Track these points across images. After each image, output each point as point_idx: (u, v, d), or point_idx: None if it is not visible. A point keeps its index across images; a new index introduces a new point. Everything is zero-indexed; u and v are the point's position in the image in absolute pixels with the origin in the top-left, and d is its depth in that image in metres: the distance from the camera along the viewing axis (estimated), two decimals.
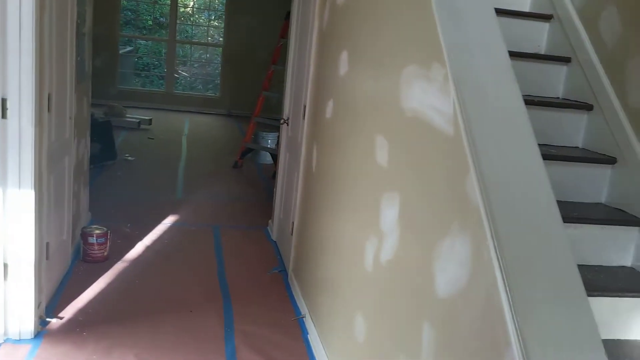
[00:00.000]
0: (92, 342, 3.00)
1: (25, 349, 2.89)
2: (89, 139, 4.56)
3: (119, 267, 3.95)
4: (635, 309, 2.29)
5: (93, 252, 3.96)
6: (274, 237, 4.82)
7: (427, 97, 1.92)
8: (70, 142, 3.70)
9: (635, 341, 2.31)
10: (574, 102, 2.90)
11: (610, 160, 2.66)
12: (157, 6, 12.61)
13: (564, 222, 1.63)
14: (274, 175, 6.70)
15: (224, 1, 11.44)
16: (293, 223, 4.00)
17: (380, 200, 2.28)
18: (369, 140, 2.49)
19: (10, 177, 2.81)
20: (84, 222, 4.41)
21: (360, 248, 2.48)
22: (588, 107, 2.82)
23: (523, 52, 3.04)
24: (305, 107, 3.83)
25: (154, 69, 13.05)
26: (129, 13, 12.38)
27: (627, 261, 2.52)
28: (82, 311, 3.31)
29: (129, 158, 7.02)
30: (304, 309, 3.50)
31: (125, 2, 11.73)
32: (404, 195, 2.07)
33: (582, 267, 2.40)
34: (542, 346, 1.27)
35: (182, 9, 12.45)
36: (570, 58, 2.99)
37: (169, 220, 4.98)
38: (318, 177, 3.41)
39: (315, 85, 3.64)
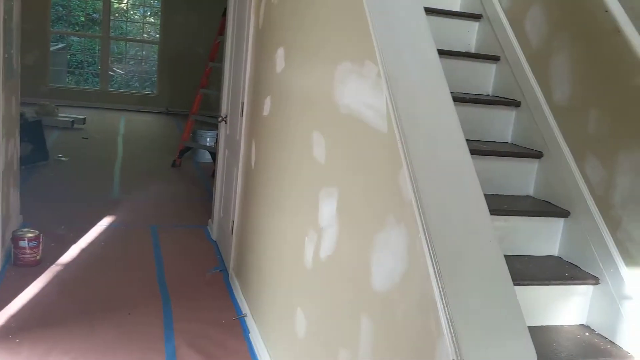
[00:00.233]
0: (26, 349, 2.90)
1: None
2: (18, 139, 4.39)
3: (53, 270, 3.83)
4: (561, 296, 2.41)
5: (25, 256, 3.82)
6: (214, 236, 4.78)
7: (360, 94, 1.96)
8: None
9: (562, 327, 2.42)
10: (503, 99, 3.01)
11: (537, 155, 2.78)
12: (90, 2, 12.25)
13: (495, 214, 1.70)
14: (213, 174, 6.63)
15: None
16: (233, 222, 3.98)
17: (319, 196, 2.30)
18: (306, 137, 2.51)
19: None
20: (14, 225, 4.25)
21: (300, 244, 2.50)
22: (516, 104, 2.94)
23: (454, 51, 3.14)
24: (243, 104, 3.82)
25: (87, 66, 12.66)
26: (60, 8, 11.97)
27: (554, 251, 2.65)
28: (15, 317, 3.20)
29: (63, 159, 6.81)
30: (245, 307, 3.49)
31: None
32: (342, 190, 2.10)
33: (512, 257, 2.51)
34: (472, 335, 1.32)
35: (116, 5, 12.12)
36: (499, 56, 3.10)
37: (105, 222, 4.86)
38: (257, 175, 3.41)
39: (253, 83, 3.63)
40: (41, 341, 2.97)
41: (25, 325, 3.12)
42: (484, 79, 3.15)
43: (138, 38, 12.56)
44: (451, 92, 1.77)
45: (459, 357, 1.28)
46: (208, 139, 7.46)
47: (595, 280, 2.40)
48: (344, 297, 2.04)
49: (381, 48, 1.76)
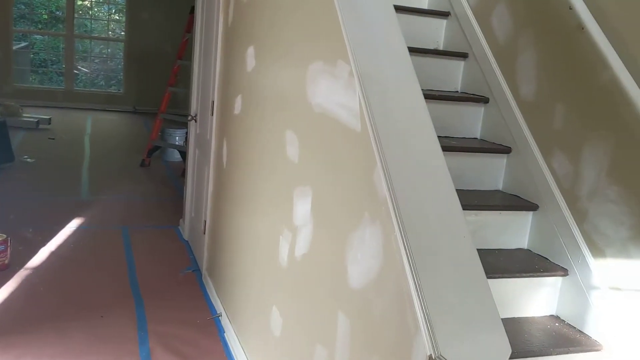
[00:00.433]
0: None
1: None
2: None
3: (21, 274, 3.76)
4: (532, 288, 2.47)
5: None
6: (185, 236, 4.75)
7: (333, 94, 1.97)
8: None
9: (532, 318, 2.48)
10: (471, 96, 3.05)
11: (506, 150, 2.83)
12: None
13: (466, 209, 1.73)
14: (183, 173, 6.58)
15: None
16: (205, 221, 3.96)
17: (293, 195, 2.31)
18: (279, 136, 2.51)
19: None
20: None
21: (275, 243, 2.50)
22: (485, 100, 2.99)
23: (423, 48, 3.17)
24: (213, 103, 3.80)
25: (52, 65, 12.41)
26: (23, 6, 11.69)
27: (523, 243, 2.70)
28: None
29: (29, 160, 6.67)
30: (219, 307, 3.49)
31: None
32: (316, 189, 2.11)
33: (483, 251, 2.56)
34: (448, 330, 1.34)
35: (79, 2, 11.89)
36: (467, 53, 3.15)
37: (74, 223, 4.79)
38: (229, 174, 3.40)
39: (223, 81, 3.62)
40: (12, 347, 2.91)
41: None
42: (453, 75, 3.19)
43: (103, 36, 12.35)
44: (421, 90, 1.80)
45: (436, 352, 1.31)
46: (177, 138, 7.39)
47: (564, 271, 2.46)
48: (320, 294, 2.05)
49: (353, 47, 1.78)
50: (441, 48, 3.35)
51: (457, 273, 1.46)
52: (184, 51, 6.89)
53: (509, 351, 1.37)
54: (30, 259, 3.99)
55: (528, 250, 2.68)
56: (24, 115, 8.60)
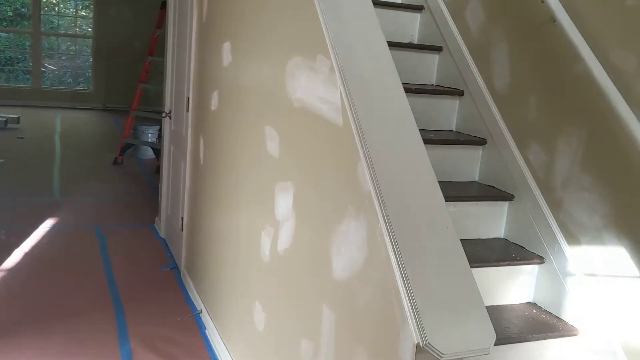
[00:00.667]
0: None
1: None
2: None
3: None
4: (509, 276, 2.52)
5: None
6: (162, 234, 4.71)
7: (314, 88, 1.98)
8: None
9: (510, 305, 2.54)
10: (446, 89, 3.10)
11: (481, 142, 2.88)
12: None
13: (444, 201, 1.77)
14: (157, 170, 6.52)
15: None
16: (183, 218, 3.94)
17: (274, 190, 2.32)
18: (259, 131, 2.51)
19: None
20: None
21: (256, 238, 2.51)
22: (460, 93, 3.03)
23: (398, 42, 3.20)
24: (188, 99, 3.77)
25: (17, 63, 12.14)
26: None
27: (500, 233, 2.76)
28: None
29: None
30: (199, 304, 3.48)
31: None
32: (298, 184, 2.12)
33: (462, 241, 2.59)
34: (435, 319, 1.37)
35: None
36: (441, 47, 3.19)
37: (47, 224, 4.71)
38: (207, 171, 3.38)
39: (198, 77, 3.60)
40: None
41: None
42: (428, 69, 3.23)
43: (70, 33, 12.13)
44: None
45: (424, 340, 1.33)
46: (150, 135, 7.32)
47: (540, 259, 2.52)
48: (304, 288, 2.07)
49: (334, 42, 1.79)
50: (416, 42, 3.38)
51: (442, 263, 1.49)
52: (155, 47, 6.83)
53: (494, 337, 1.41)
54: (4, 261, 3.92)
55: (505, 240, 2.73)
56: None
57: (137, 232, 4.80)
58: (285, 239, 2.22)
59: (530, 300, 2.57)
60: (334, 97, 1.81)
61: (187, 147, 3.82)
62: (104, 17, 10.60)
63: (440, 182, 2.76)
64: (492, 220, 2.74)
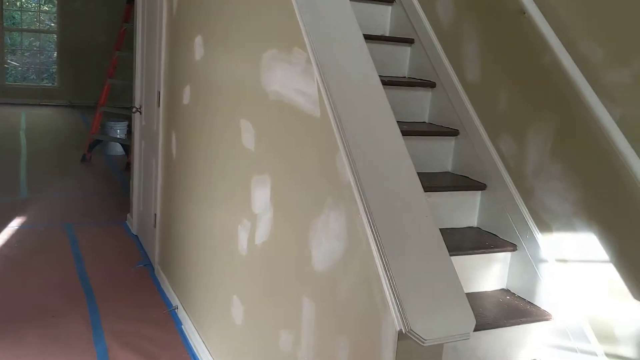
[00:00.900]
0: None
1: None
2: None
3: None
4: (483, 264, 2.57)
5: None
6: (134, 231, 4.66)
7: (290, 81, 1.98)
8: None
9: (485, 292, 2.59)
10: (419, 81, 3.12)
11: (454, 133, 2.92)
12: None
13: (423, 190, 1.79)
14: (127, 167, 6.45)
15: None
16: (156, 215, 3.90)
17: (251, 184, 2.32)
18: (234, 125, 2.50)
19: None
20: None
21: (233, 232, 2.50)
22: (432, 85, 3.06)
23: (370, 35, 3.21)
24: (159, 93, 3.74)
25: None
26: None
27: (473, 222, 2.80)
28: None
29: None
30: (175, 300, 3.46)
31: None
32: (275, 176, 2.12)
33: None
34: (417, 306, 1.40)
35: None
36: (413, 39, 3.21)
37: (15, 223, 4.62)
38: (180, 165, 3.36)
39: (169, 71, 3.56)
40: None
41: None
42: (400, 61, 3.25)
43: (33, 28, 11.86)
44: None
45: (406, 327, 1.36)
46: (118, 131, 7.21)
47: (513, 247, 2.57)
48: (284, 280, 2.07)
49: (310, 35, 1.80)
50: (388, 34, 3.40)
51: (422, 251, 1.51)
52: (122, 42, 6.73)
53: (474, 322, 1.44)
54: None
55: (478, 228, 2.78)
56: None
57: (108, 229, 4.74)
58: (263, 232, 2.22)
59: (504, 287, 2.62)
60: (311, 89, 1.81)
61: (158, 143, 3.79)
62: (68, 11, 10.39)
63: None
64: (466, 210, 2.78)
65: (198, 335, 3.00)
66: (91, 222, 4.87)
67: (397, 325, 1.39)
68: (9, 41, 11.35)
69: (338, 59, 1.77)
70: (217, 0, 2.73)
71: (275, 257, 2.14)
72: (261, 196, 2.23)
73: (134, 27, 4.58)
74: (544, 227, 2.48)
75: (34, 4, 12.07)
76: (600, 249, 2.24)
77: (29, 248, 4.17)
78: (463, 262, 2.51)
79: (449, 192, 2.74)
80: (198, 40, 2.98)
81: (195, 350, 3.01)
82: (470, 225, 2.80)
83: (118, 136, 7.15)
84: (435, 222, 1.58)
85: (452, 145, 2.95)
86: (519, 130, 2.60)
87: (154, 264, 3.95)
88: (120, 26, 6.71)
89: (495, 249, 2.57)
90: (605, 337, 2.22)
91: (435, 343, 1.37)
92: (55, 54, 11.06)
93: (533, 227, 2.51)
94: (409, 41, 3.22)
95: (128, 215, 4.89)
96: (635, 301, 2.11)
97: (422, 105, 3.11)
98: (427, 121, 3.13)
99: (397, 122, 2.97)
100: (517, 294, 2.56)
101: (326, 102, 1.70)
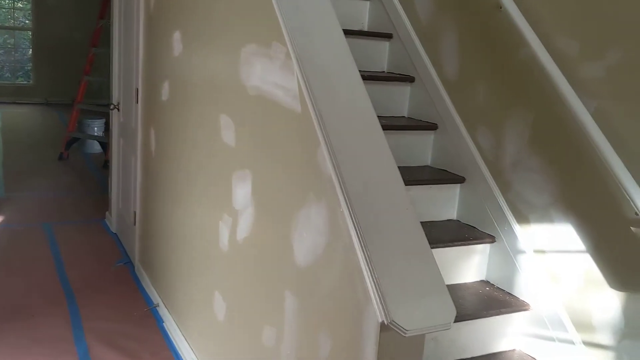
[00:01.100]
0: None
1: None
2: None
3: None
4: (463, 256, 2.60)
5: None
6: (113, 229, 4.63)
7: (269, 75, 1.99)
8: None
9: (464, 284, 2.62)
10: (398, 75, 3.14)
11: (433, 127, 2.95)
12: None
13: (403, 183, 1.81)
14: (105, 165, 6.39)
15: None
16: (135, 212, 3.88)
17: (231, 180, 2.32)
18: (213, 121, 2.50)
19: None
20: None
21: (214, 229, 2.50)
22: (411, 79, 3.09)
23: (348, 30, 3.22)
24: (137, 90, 3.71)
25: None
26: None
27: (453, 215, 2.84)
28: None
29: None
30: (156, 298, 3.44)
31: None
32: (256, 172, 2.12)
33: None
34: (398, 297, 1.41)
35: None
36: (391, 34, 3.23)
37: None
38: (160, 163, 3.34)
39: (148, 68, 3.54)
40: None
41: None
42: (379, 56, 3.27)
43: (7, 25, 11.67)
44: None
45: (388, 318, 1.37)
46: (96, 128, 7.14)
47: (491, 238, 2.61)
48: (266, 275, 2.08)
49: (289, 29, 1.80)
50: (366, 29, 3.42)
51: (403, 243, 1.53)
52: (98, 38, 6.66)
53: (454, 313, 1.46)
54: None
55: (457, 221, 2.81)
56: None
57: (87, 228, 4.70)
58: (244, 227, 2.22)
59: (483, 279, 2.66)
60: (291, 83, 1.82)
61: (137, 140, 3.76)
62: (43, 8, 10.24)
63: None
64: (445, 203, 2.81)
65: (180, 332, 2.99)
66: (70, 220, 4.81)
67: (379, 316, 1.41)
68: None
69: (318, 54, 1.78)
70: None
71: (257, 252, 2.14)
72: (242, 192, 2.23)
73: (110, 24, 4.54)
74: (522, 218, 2.52)
75: (7, 1, 11.86)
76: (577, 240, 2.28)
77: (6, 248, 4.12)
78: (443, 254, 2.53)
79: (428, 186, 2.76)
80: (176, 35, 2.96)
81: (177, 347, 3.00)
82: (450, 218, 2.83)
83: (95, 134, 7.08)
84: (416, 215, 1.60)
85: (431, 139, 2.98)
86: (497, 123, 2.63)
87: (134, 262, 3.93)
88: (96, 22, 6.64)
89: (475, 241, 2.60)
90: (583, 325, 2.26)
91: (417, 333, 1.39)
92: (30, 52, 10.90)
93: (511, 219, 2.55)
94: (387, 36, 3.24)
95: (107, 213, 4.85)
96: (611, 290, 2.16)
97: (401, 99, 3.13)
98: (406, 115, 3.15)
99: (377, 116, 3.01)
100: (497, 285, 2.59)
101: (306, 96, 1.71)
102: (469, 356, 2.38)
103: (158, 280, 3.43)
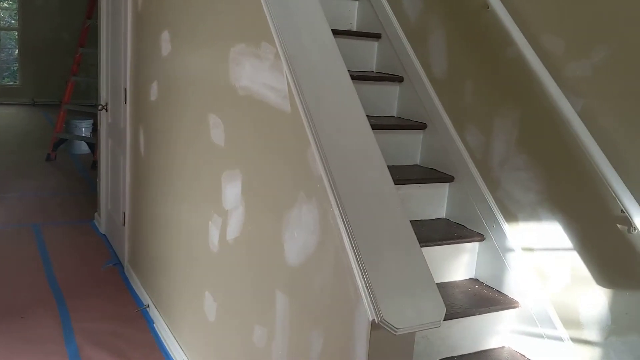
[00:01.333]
0: None
1: None
2: None
3: None
4: (452, 254, 2.62)
5: None
6: (102, 230, 4.61)
7: (258, 76, 1.99)
8: None
9: (454, 282, 2.64)
10: (386, 75, 3.16)
11: (421, 126, 2.96)
12: None
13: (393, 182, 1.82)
14: (93, 165, 6.36)
15: None
16: (124, 213, 3.86)
17: (221, 180, 2.32)
18: (202, 121, 2.50)
19: None
20: None
21: (204, 229, 2.50)
22: (399, 79, 3.10)
23: (337, 30, 3.23)
24: (126, 90, 3.70)
25: None
26: None
27: (442, 213, 2.85)
28: None
29: None
30: (146, 299, 3.43)
31: None
32: (246, 171, 2.13)
33: None
34: (389, 296, 1.42)
35: None
36: (380, 34, 3.24)
37: None
38: (149, 163, 3.33)
39: (136, 68, 3.52)
40: None
41: None
42: (368, 56, 3.28)
43: None
44: None
45: (379, 317, 1.38)
46: (83, 129, 7.10)
47: (480, 237, 2.63)
48: (257, 276, 2.08)
49: (278, 29, 1.80)
50: (355, 29, 3.43)
51: (394, 242, 1.54)
52: (86, 38, 6.62)
53: (444, 311, 1.47)
54: None
55: (447, 220, 2.83)
56: None
57: (76, 229, 4.68)
58: (234, 227, 2.23)
59: (473, 277, 2.67)
60: (281, 83, 1.82)
61: (126, 140, 3.75)
62: (29, 8, 10.16)
63: None
64: (434, 202, 2.83)
65: (170, 333, 2.99)
66: (58, 221, 4.79)
67: (370, 315, 1.42)
68: None
69: (307, 54, 1.79)
70: None
71: (248, 252, 2.14)
72: (232, 192, 2.23)
73: (97, 23, 4.51)
74: (510, 217, 2.54)
75: None
76: (565, 237, 2.31)
77: None
78: (433, 253, 2.55)
79: (417, 185, 2.78)
80: (165, 35, 2.95)
81: (167, 348, 3.00)
82: (439, 216, 2.85)
83: (83, 134, 7.04)
84: (406, 214, 1.61)
85: (420, 139, 2.99)
86: (485, 122, 2.65)
87: (124, 263, 3.91)
88: (83, 22, 6.60)
89: (464, 240, 2.62)
90: (571, 322, 2.28)
91: (407, 332, 1.40)
92: (16, 52, 10.81)
93: (500, 217, 2.57)
94: (376, 36, 3.25)
95: (96, 214, 4.83)
96: (598, 287, 2.18)
97: (390, 99, 3.14)
98: (395, 115, 3.17)
99: (367, 116, 3.02)
100: (486, 282, 2.61)
101: (296, 96, 1.71)
102: (459, 354, 2.40)
103: (148, 281, 3.42)
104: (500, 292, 2.53)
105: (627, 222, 2.06)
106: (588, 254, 2.22)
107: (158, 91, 3.10)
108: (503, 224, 2.56)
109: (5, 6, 11.54)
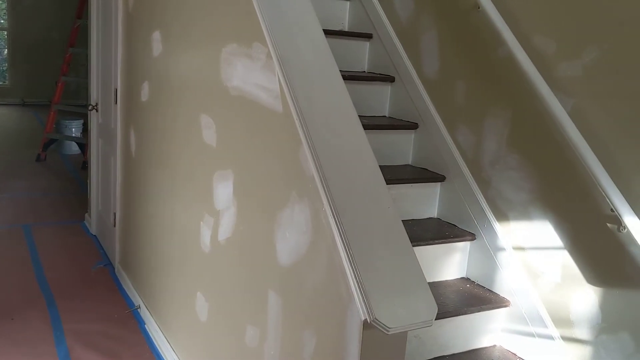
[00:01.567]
0: None
1: None
2: None
3: None
4: (444, 254, 2.62)
5: None
6: (93, 230, 4.58)
7: (250, 76, 1.99)
8: None
9: (445, 281, 2.65)
10: (378, 75, 3.16)
11: (413, 126, 2.97)
12: None
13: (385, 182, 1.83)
14: (84, 166, 6.33)
15: None
16: (115, 214, 3.85)
17: (213, 179, 2.31)
18: (194, 121, 2.49)
19: None
20: None
21: (195, 229, 2.49)
22: (391, 79, 3.11)
23: (329, 30, 3.23)
24: (116, 90, 3.68)
25: None
26: None
27: (433, 213, 2.86)
28: None
29: None
30: (137, 300, 3.42)
31: None
32: (238, 171, 2.12)
33: None
34: (381, 295, 1.42)
35: None
36: (371, 34, 3.25)
37: None
38: (140, 163, 3.32)
39: (127, 68, 3.51)
40: None
41: None
42: (359, 56, 3.29)
43: None
44: None
45: (371, 316, 1.38)
46: (74, 129, 7.07)
47: (472, 236, 2.64)
48: (249, 276, 2.08)
49: (270, 29, 1.80)
50: (346, 29, 3.43)
51: (385, 242, 1.54)
52: (76, 38, 6.59)
53: (436, 310, 1.48)
54: None
55: (438, 219, 2.84)
56: None
57: (66, 229, 4.65)
58: (226, 227, 2.22)
59: (464, 276, 2.69)
60: (273, 84, 1.82)
61: (117, 140, 3.73)
62: (19, 7, 10.10)
63: None
64: (426, 201, 2.84)
65: (162, 334, 2.98)
66: (49, 222, 4.76)
67: (362, 315, 1.42)
68: None
69: (299, 54, 1.79)
70: None
71: (240, 252, 2.14)
72: (223, 192, 2.22)
73: (88, 23, 4.49)
74: (501, 216, 2.55)
75: None
76: (555, 236, 2.32)
77: None
78: (424, 252, 2.56)
79: (409, 184, 2.78)
80: (156, 35, 2.95)
81: (159, 349, 2.99)
82: (431, 216, 2.86)
83: (74, 135, 7.01)
84: (398, 213, 1.61)
85: (411, 139, 3.00)
86: (476, 122, 2.66)
87: (115, 264, 3.90)
88: (73, 22, 6.57)
89: (455, 239, 2.63)
90: (561, 321, 2.30)
91: (399, 331, 1.40)
92: (5, 52, 10.74)
93: (491, 217, 2.58)
94: (367, 36, 3.25)
95: (86, 215, 4.81)
96: (588, 285, 2.20)
97: (382, 99, 3.15)
98: (387, 115, 3.17)
99: (358, 116, 3.03)
100: (477, 281, 2.62)
101: (288, 97, 1.71)
102: (451, 353, 2.41)
103: (139, 282, 3.41)
104: (491, 291, 2.54)
105: (617, 221, 2.08)
106: (578, 253, 2.23)
107: (149, 91, 3.09)
108: (494, 223, 2.57)
109: None
